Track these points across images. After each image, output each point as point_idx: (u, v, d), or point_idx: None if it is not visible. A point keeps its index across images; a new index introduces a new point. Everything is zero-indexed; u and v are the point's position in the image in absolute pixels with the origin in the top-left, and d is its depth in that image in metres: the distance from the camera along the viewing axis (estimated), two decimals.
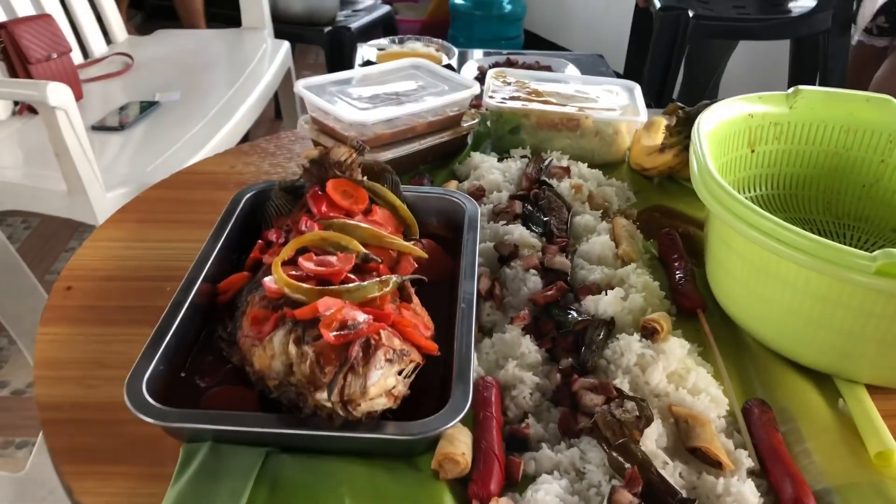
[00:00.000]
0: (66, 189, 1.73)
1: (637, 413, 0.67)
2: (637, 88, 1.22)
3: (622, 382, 0.72)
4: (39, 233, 2.35)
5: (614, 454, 0.64)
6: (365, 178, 0.92)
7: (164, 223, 0.99)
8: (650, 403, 0.71)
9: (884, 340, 0.71)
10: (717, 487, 0.63)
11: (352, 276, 0.75)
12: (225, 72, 2.42)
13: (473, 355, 0.71)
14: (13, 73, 1.96)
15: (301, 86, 1.12)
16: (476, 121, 1.16)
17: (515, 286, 0.85)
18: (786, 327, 0.77)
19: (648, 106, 1.21)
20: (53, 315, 0.82)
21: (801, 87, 0.99)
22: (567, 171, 1.06)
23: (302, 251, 0.78)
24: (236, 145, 1.46)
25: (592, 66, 2.21)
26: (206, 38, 2.72)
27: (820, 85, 2.09)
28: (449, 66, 1.83)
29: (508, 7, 3.64)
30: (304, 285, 0.72)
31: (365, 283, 0.72)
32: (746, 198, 1.00)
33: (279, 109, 3.15)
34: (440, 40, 2.10)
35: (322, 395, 0.62)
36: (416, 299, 0.77)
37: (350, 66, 2.49)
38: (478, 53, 2.37)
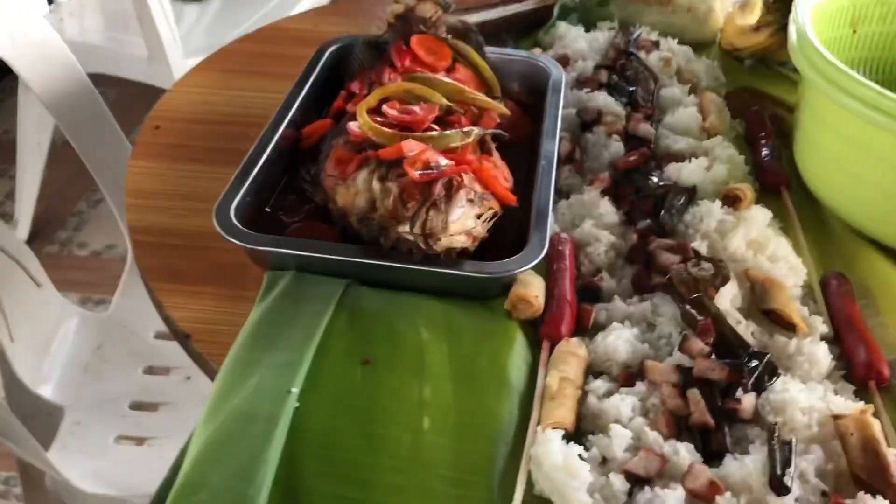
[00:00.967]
0: (146, 54, 1.76)
1: (713, 272, 0.67)
2: None
3: (700, 245, 0.72)
4: (119, 105, 2.41)
5: (688, 307, 0.64)
6: (449, 36, 0.91)
7: (249, 73, 1.00)
8: (729, 267, 0.70)
9: None
10: (790, 347, 0.63)
11: (434, 126, 0.75)
12: None
13: (552, 209, 0.71)
14: None
15: None
16: None
17: (597, 151, 0.85)
18: (875, 206, 0.75)
19: None
20: (143, 150, 0.85)
21: None
22: (656, 44, 1.03)
23: (385, 102, 0.79)
24: None
25: None
26: None
27: None
28: None
29: None
30: (388, 130, 0.72)
31: (448, 132, 0.73)
32: None
33: None
34: None
35: (404, 228, 0.63)
36: (496, 154, 0.77)
37: None
38: None
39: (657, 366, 0.60)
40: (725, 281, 0.67)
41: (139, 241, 0.74)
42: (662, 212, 0.75)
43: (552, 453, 0.53)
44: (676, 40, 1.07)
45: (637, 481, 0.53)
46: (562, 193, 0.82)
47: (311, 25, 1.12)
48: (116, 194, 1.14)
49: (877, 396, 0.61)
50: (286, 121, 0.81)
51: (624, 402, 0.58)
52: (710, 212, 0.74)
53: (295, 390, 0.57)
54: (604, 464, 0.55)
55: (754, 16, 1.08)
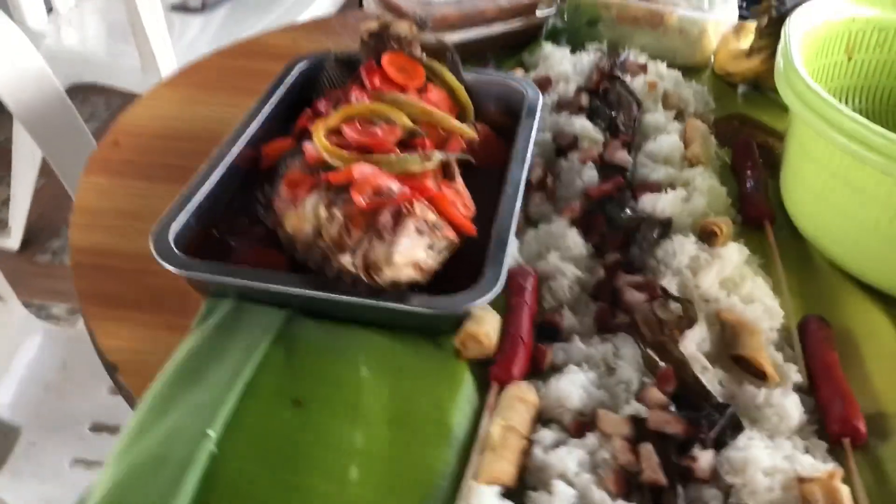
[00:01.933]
0: (139, 65, 1.73)
1: (680, 314, 0.62)
2: None
3: (670, 283, 0.67)
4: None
5: (649, 352, 0.60)
6: (424, 55, 0.87)
7: (219, 89, 0.96)
8: (698, 307, 0.66)
9: None
10: (758, 398, 0.58)
11: (396, 150, 0.71)
12: None
13: (512, 241, 0.67)
14: None
15: None
16: (552, 9, 1.09)
17: (570, 178, 0.80)
18: (860, 244, 0.71)
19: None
20: (98, 166, 0.82)
21: None
22: (644, 68, 0.99)
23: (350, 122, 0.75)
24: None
25: None
26: None
27: None
28: None
29: None
30: (344, 152, 0.69)
31: (407, 155, 0.69)
32: None
33: None
34: None
35: (346, 259, 0.59)
36: (459, 179, 0.73)
37: None
38: None
39: (610, 416, 0.55)
40: (692, 323, 0.62)
41: (79, 262, 0.70)
42: (633, 245, 0.71)
43: None
44: (666, 63, 1.03)
45: None
46: (531, 222, 0.77)
47: (289, 41, 1.09)
48: None
49: (850, 457, 0.56)
50: (246, 138, 0.78)
51: (570, 456, 0.53)
52: (683, 247, 0.70)
53: (212, 433, 0.52)
54: None
55: (748, 40, 1.04)
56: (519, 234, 0.75)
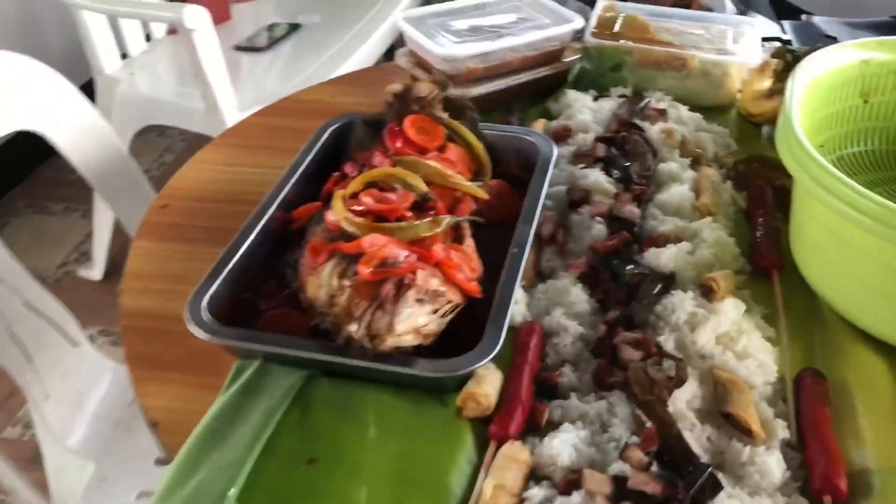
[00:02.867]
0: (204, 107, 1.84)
1: (671, 373, 0.66)
2: (756, 26, 1.14)
3: (667, 339, 0.71)
4: (190, 153, 2.53)
5: (637, 411, 0.63)
6: (446, 114, 0.92)
7: (259, 149, 1.04)
8: (694, 364, 0.69)
9: None
10: (742, 455, 0.62)
11: (409, 214, 0.77)
12: None
13: (514, 301, 0.72)
14: None
15: (401, 17, 1.12)
16: (577, 57, 1.13)
17: (580, 233, 0.84)
18: (858, 296, 0.73)
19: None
20: (147, 230, 0.90)
21: None
22: (663, 113, 1.02)
23: (373, 186, 0.81)
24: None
25: None
26: None
27: None
28: None
29: None
30: (359, 220, 0.74)
31: (417, 222, 0.74)
32: (855, 152, 0.94)
33: None
34: None
35: (353, 327, 0.65)
36: (469, 241, 0.78)
37: None
38: None
39: (594, 476, 0.59)
40: (682, 383, 0.65)
41: (128, 325, 0.78)
42: (634, 301, 0.74)
43: None
44: (688, 107, 1.05)
45: None
46: (542, 276, 0.82)
47: (328, 96, 1.16)
48: None
49: None
50: (279, 201, 0.85)
51: None
52: (682, 303, 0.73)
53: (233, 493, 0.59)
54: None
55: (770, 80, 1.05)
56: (529, 289, 0.79)
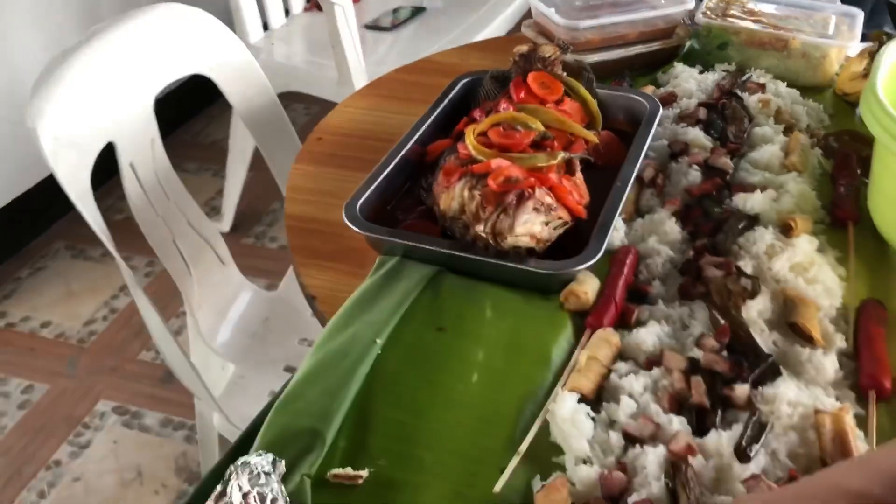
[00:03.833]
0: (336, 77, 2.03)
1: (748, 287, 0.77)
2: (860, 16, 1.22)
3: (746, 265, 0.82)
4: (314, 118, 2.74)
5: (715, 313, 0.75)
6: (564, 73, 1.06)
7: (398, 99, 1.20)
8: (768, 285, 0.80)
9: None
10: (803, 355, 0.72)
11: (529, 149, 0.90)
12: None
13: (616, 223, 0.84)
14: None
15: None
16: (687, 34, 1.24)
17: (677, 178, 0.96)
18: None
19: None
20: (305, 157, 1.07)
21: None
22: (762, 87, 1.12)
23: (496, 126, 0.95)
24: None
25: None
26: None
27: None
28: None
29: None
30: (489, 150, 0.89)
31: (536, 153, 0.88)
32: None
33: None
34: None
35: (480, 227, 0.79)
36: (579, 174, 0.91)
37: None
38: None
39: (673, 355, 0.72)
40: (754, 295, 0.77)
41: (291, 225, 0.95)
42: (720, 233, 0.86)
43: (565, 409, 0.67)
44: (786, 84, 1.15)
45: (633, 441, 0.66)
46: (641, 213, 0.94)
47: (458, 59, 1.31)
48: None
49: (872, 404, 0.69)
50: (415, 138, 1.00)
51: (638, 381, 0.70)
52: (763, 236, 0.84)
53: (379, 341, 0.74)
54: (611, 426, 0.68)
55: (866, 60, 1.13)
56: (628, 222, 0.92)
